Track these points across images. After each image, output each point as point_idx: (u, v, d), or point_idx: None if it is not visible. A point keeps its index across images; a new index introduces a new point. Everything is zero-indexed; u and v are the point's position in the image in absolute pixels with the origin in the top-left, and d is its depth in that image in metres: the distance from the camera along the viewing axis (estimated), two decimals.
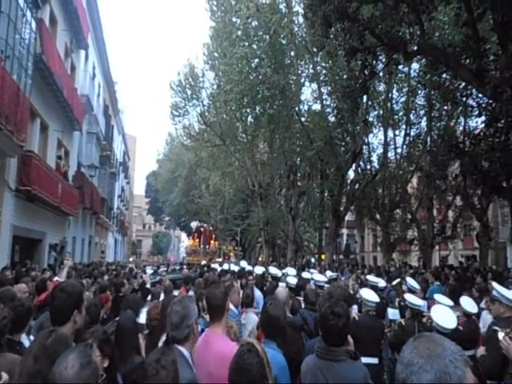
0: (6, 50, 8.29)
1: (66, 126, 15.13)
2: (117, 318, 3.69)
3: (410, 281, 6.60)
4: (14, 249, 11.03)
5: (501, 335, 3.06)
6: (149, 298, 6.51)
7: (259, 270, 9.36)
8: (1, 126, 7.77)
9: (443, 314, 4.14)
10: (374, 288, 6.21)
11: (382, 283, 6.86)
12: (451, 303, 4.92)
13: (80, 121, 16.11)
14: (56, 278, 4.96)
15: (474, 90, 13.62)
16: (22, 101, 9.10)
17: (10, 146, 8.87)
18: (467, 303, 4.76)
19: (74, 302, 2.39)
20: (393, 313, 5.61)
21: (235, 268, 10.42)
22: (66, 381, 1.56)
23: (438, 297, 5.21)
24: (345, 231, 41.28)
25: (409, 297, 5.05)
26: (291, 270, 8.53)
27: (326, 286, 5.81)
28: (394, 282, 7.05)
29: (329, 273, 9.10)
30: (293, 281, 6.18)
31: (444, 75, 15.40)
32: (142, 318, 3.95)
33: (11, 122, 8.28)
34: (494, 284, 4.05)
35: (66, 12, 14.45)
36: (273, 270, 8.74)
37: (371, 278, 7.23)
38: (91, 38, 19.57)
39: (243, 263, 13.03)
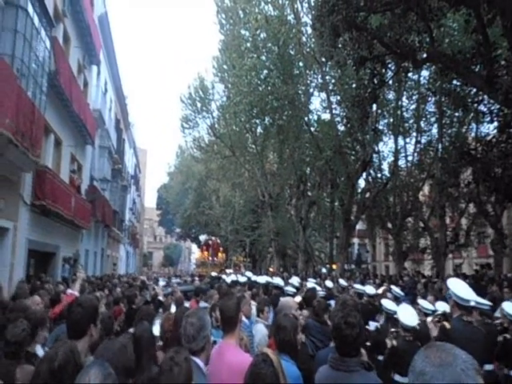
0: (22, 69, 8.49)
1: (78, 140, 15.38)
2: (130, 330, 3.71)
3: (395, 289, 7.78)
4: (29, 262, 11.16)
5: (429, 319, 3.69)
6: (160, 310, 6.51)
7: (262, 279, 9.45)
8: (17, 143, 7.92)
9: (406, 313, 4.49)
10: (361, 295, 7.31)
11: (371, 290, 7.45)
12: (432, 307, 5.42)
13: (92, 135, 16.36)
14: (70, 291, 5.00)
15: (485, 96, 13.54)
16: (37, 118, 9.28)
17: (26, 161, 9.02)
18: (424, 304, 5.61)
19: (90, 316, 2.43)
20: (372, 324, 5.73)
21: (242, 279, 10.65)
22: None
23: (420, 301, 5.88)
24: (356, 240, 40.96)
25: (385, 302, 5.54)
26: (294, 279, 9.06)
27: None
28: (380, 291, 7.98)
29: (329, 283, 9.92)
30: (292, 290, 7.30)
31: (454, 82, 15.31)
32: (156, 330, 3.96)
33: (26, 138, 8.45)
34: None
35: (78, 29, 14.80)
36: (276, 280, 8.96)
37: (357, 286, 8.23)
38: (103, 53, 19.96)
39: (248, 273, 13.19)
